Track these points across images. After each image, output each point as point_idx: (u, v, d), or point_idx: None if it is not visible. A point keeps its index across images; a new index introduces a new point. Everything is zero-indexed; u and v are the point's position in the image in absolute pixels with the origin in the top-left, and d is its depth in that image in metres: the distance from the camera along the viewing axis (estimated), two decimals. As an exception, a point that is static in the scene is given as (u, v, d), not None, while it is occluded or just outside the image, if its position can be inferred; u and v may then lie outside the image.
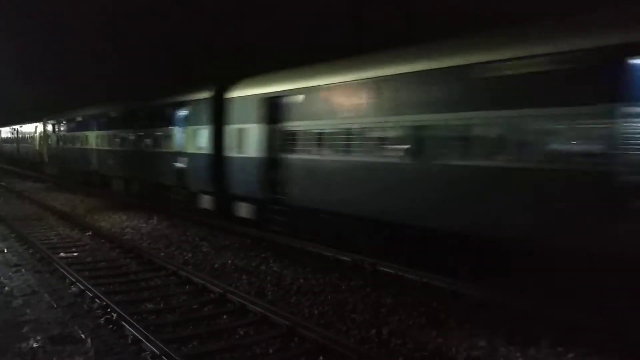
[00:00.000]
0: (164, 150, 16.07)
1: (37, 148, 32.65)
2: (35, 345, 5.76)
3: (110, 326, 6.44)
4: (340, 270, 9.14)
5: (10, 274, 8.78)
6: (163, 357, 5.44)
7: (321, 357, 5.64)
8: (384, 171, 8.80)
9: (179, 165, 15.12)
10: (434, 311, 7.01)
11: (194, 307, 7.32)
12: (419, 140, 8.18)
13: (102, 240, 11.79)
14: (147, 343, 5.74)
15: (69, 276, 8.47)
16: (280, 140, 11.36)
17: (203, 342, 6.07)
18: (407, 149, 8.39)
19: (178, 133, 15.33)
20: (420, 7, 21.22)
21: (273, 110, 11.54)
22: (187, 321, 6.74)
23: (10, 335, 6.06)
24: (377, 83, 9.04)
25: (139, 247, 10.94)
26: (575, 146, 6.39)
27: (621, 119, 5.92)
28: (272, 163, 11.60)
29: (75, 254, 10.51)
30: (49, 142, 29.84)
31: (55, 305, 7.14)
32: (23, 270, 9.07)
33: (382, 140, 8.92)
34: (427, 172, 8.11)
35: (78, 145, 24.49)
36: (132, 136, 18.59)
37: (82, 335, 6.05)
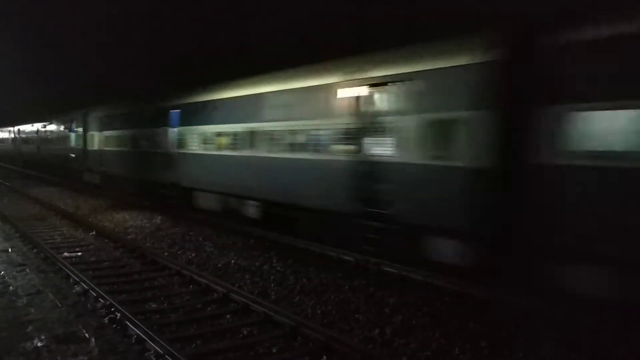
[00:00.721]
0: (65, 146, 27.13)
1: (12, 147, 43.45)
2: (39, 344, 5.78)
3: (114, 325, 6.46)
4: (344, 269, 9.18)
5: (14, 273, 8.80)
6: (167, 356, 5.46)
7: (324, 357, 5.67)
8: (123, 154, 19.45)
9: (72, 155, 25.98)
10: (437, 311, 7.04)
11: (198, 306, 7.35)
12: (130, 140, 18.82)
13: (106, 240, 11.84)
14: (150, 342, 5.76)
15: (73, 276, 8.51)
16: (102, 140, 21.85)
17: (206, 342, 6.09)
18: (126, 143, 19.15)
19: (71, 136, 26.28)
20: (420, 7, 21.19)
21: (100, 124, 22.25)
22: (190, 321, 6.77)
23: (15, 334, 6.07)
24: (126, 114, 19.68)
25: (143, 246, 10.97)
26: (161, 144, 16.06)
27: (170, 134, 15.37)
28: (101, 152, 21.89)
29: (79, 253, 10.56)
30: (16, 142, 41.64)
31: (59, 305, 7.16)
32: (27, 269, 9.10)
33: (122, 140, 19.53)
34: (132, 153, 18.45)
35: (33, 144, 35.68)
36: (54, 137, 30.19)
37: (86, 335, 6.07)
